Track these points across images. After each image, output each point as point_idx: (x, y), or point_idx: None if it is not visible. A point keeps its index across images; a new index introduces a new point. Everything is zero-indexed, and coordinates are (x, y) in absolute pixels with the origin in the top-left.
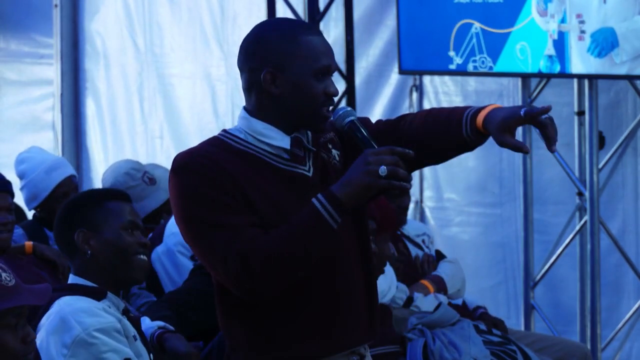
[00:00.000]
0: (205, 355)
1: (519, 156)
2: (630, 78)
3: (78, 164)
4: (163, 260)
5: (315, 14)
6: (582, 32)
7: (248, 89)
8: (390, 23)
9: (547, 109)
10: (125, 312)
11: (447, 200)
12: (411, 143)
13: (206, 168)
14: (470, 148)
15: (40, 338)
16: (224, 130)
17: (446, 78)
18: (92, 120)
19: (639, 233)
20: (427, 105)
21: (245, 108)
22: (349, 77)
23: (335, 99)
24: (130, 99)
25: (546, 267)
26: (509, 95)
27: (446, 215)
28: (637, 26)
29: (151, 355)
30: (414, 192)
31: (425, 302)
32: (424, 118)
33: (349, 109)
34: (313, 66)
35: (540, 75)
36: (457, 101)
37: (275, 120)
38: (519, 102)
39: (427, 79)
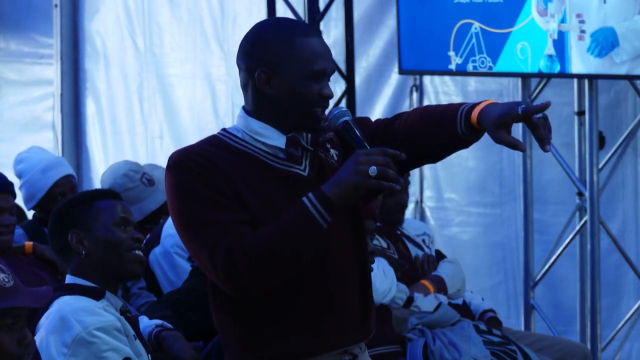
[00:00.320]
0: (205, 355)
1: (519, 156)
2: (630, 78)
3: (78, 164)
4: (160, 262)
5: (315, 14)
6: (582, 31)
7: (245, 87)
8: (390, 23)
9: (545, 106)
10: (123, 312)
11: (447, 200)
12: (406, 141)
13: (200, 166)
14: (465, 145)
15: (40, 337)
16: (223, 129)
17: (446, 78)
18: (92, 120)
19: (639, 233)
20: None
21: (243, 107)
22: (349, 77)
23: (335, 99)
24: (130, 99)
25: (546, 267)
26: (509, 95)
27: (446, 215)
28: (637, 26)
29: (149, 355)
30: (414, 192)
31: (426, 302)
32: (419, 116)
33: (344, 109)
34: (308, 69)
35: (540, 75)
36: (457, 101)
37: (271, 119)
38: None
39: (427, 79)
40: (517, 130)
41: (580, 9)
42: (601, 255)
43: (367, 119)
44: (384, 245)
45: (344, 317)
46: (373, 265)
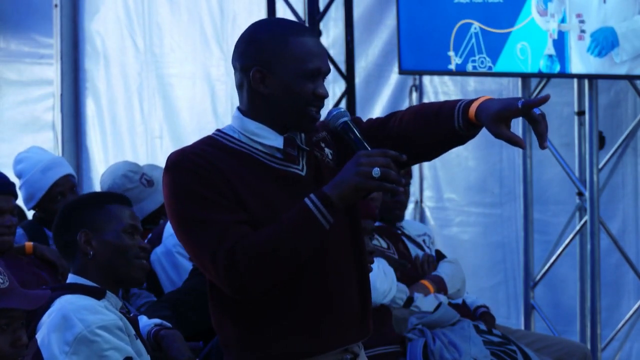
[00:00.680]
0: (205, 356)
1: (519, 156)
2: (630, 78)
3: (78, 164)
4: (162, 261)
5: (315, 14)
6: (582, 31)
7: (240, 87)
8: (390, 23)
9: (545, 99)
10: (123, 312)
11: (447, 200)
12: (402, 139)
13: (198, 166)
14: (462, 141)
15: (41, 335)
16: (218, 130)
17: (446, 78)
18: (92, 120)
19: (639, 233)
20: None
21: (238, 108)
22: (349, 77)
23: (335, 99)
24: (130, 99)
25: (546, 267)
26: (509, 95)
27: (446, 215)
28: (637, 26)
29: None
30: (413, 192)
31: (426, 302)
32: (415, 113)
33: (342, 109)
34: (303, 68)
35: (540, 75)
36: None
37: (267, 119)
38: None
39: (427, 79)
40: (518, 130)
41: (580, 8)
42: (601, 255)
43: (359, 119)
44: (384, 245)
45: (343, 317)
46: (373, 265)
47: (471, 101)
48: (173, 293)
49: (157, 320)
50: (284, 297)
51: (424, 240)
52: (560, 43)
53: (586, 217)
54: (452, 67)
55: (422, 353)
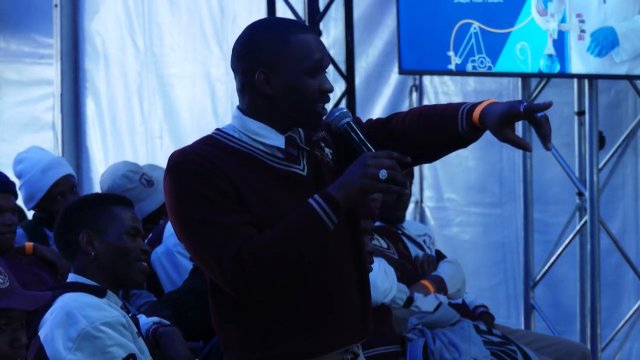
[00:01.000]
0: (205, 356)
1: (519, 156)
2: (630, 78)
3: (78, 164)
4: (162, 261)
5: (315, 14)
6: (582, 31)
7: (242, 89)
8: (390, 23)
9: (547, 105)
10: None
11: (447, 200)
12: (403, 139)
13: (200, 166)
14: (464, 144)
15: (44, 332)
16: (218, 129)
17: (446, 78)
18: (92, 120)
19: (639, 233)
20: None
21: (239, 107)
22: (349, 77)
23: (335, 99)
24: (130, 99)
25: (546, 267)
26: (509, 95)
27: (446, 215)
28: (637, 26)
29: None
30: (414, 192)
31: (426, 302)
32: (418, 114)
33: (344, 110)
34: (305, 64)
35: (540, 75)
36: (456, 101)
37: (269, 119)
38: None
39: (427, 79)
40: (518, 130)
41: (580, 8)
42: (601, 255)
43: (358, 119)
44: (384, 245)
45: (343, 317)
46: (374, 265)
47: (475, 105)
48: (173, 293)
49: (155, 319)
50: (284, 297)
51: (424, 241)
52: (560, 43)
53: (586, 217)
54: (452, 67)
55: (422, 353)
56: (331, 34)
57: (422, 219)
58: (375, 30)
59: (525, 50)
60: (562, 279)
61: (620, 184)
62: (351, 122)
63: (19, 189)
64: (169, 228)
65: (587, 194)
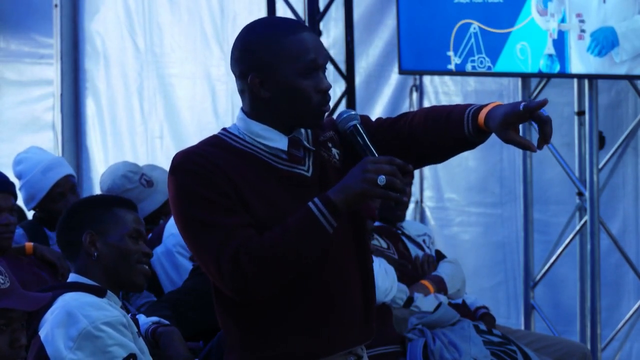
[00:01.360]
0: (205, 355)
1: (519, 156)
2: (630, 78)
3: (78, 164)
4: (162, 261)
5: (315, 14)
6: (582, 31)
7: (241, 92)
8: (390, 23)
9: (543, 102)
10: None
11: (447, 200)
12: (411, 140)
13: (202, 167)
14: (471, 146)
15: (45, 331)
16: (224, 129)
17: (446, 78)
18: (92, 120)
19: (639, 233)
20: (427, 105)
21: (242, 109)
22: (349, 77)
23: (335, 99)
24: (130, 99)
25: (546, 267)
26: (509, 95)
27: (446, 215)
28: (637, 25)
29: None
30: (414, 192)
31: (426, 302)
32: (425, 116)
33: (353, 112)
34: (297, 65)
35: (540, 75)
36: (457, 101)
37: (271, 121)
38: None
39: (427, 79)
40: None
41: (580, 8)
42: (601, 255)
43: (367, 117)
44: (384, 245)
45: (345, 318)
46: (374, 264)
47: (480, 108)
48: (173, 293)
49: (154, 318)
50: (285, 297)
51: (424, 241)
52: (560, 43)
53: (586, 217)
54: (452, 67)
55: (422, 353)
56: (331, 34)
57: (422, 219)
58: (375, 30)
59: (525, 50)
60: (562, 279)
61: (620, 184)
62: (358, 125)
63: (19, 189)
64: (168, 228)
65: (587, 194)
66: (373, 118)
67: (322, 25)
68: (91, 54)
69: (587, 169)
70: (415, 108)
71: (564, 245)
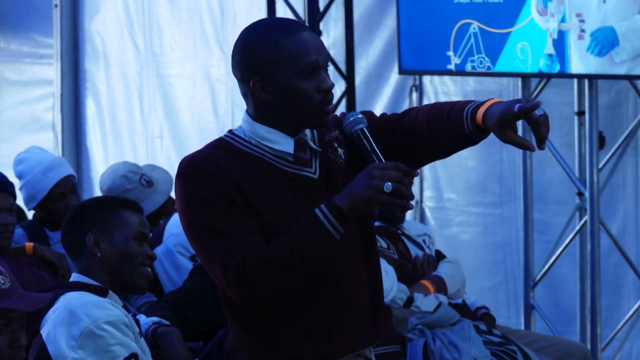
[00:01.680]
0: (205, 355)
1: (519, 156)
2: (629, 78)
3: (78, 164)
4: (163, 261)
5: (315, 14)
6: (582, 31)
7: (245, 96)
8: (390, 23)
9: (536, 104)
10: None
11: (447, 200)
12: (414, 137)
13: (207, 172)
14: (473, 143)
15: (47, 330)
16: (230, 131)
17: (446, 78)
18: (92, 120)
19: (639, 233)
20: None
21: (247, 112)
22: (349, 77)
23: (335, 99)
24: (130, 99)
25: (546, 267)
26: (509, 95)
27: (446, 215)
28: (637, 25)
29: None
30: (414, 192)
31: (426, 302)
32: (427, 115)
33: (360, 116)
34: (297, 67)
35: (540, 75)
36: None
37: (275, 123)
38: None
39: (427, 79)
40: (519, 129)
41: (579, 8)
42: (601, 255)
43: (371, 113)
44: (384, 245)
45: (354, 321)
46: None
47: (478, 106)
48: (173, 293)
49: (155, 319)
50: (295, 301)
51: (424, 240)
52: (560, 43)
53: (586, 217)
54: (452, 67)
55: (422, 353)
56: (331, 34)
57: (422, 219)
58: (375, 30)
59: (525, 50)
60: (562, 279)
61: (620, 184)
62: (365, 129)
63: (20, 189)
64: (169, 228)
65: (587, 194)
66: (388, 113)
67: (322, 25)
68: (91, 54)
69: (587, 169)
70: None
71: (564, 245)
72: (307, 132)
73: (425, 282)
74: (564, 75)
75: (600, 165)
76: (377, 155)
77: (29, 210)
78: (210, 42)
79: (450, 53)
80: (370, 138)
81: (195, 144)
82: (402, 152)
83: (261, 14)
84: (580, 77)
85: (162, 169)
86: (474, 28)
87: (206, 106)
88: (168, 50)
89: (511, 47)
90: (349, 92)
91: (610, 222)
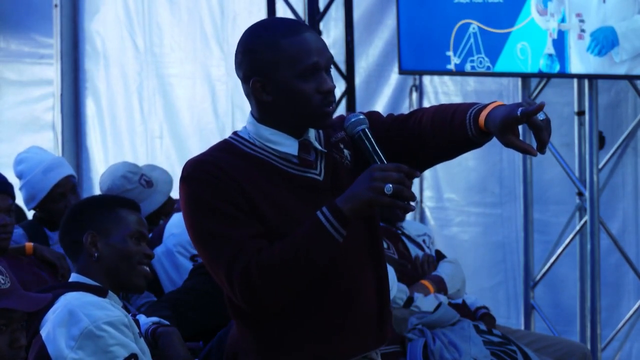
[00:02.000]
0: (205, 355)
1: (519, 156)
2: (629, 78)
3: (78, 164)
4: (163, 261)
5: (315, 14)
6: (582, 31)
7: (248, 97)
8: (390, 23)
9: (541, 106)
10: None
11: (447, 200)
12: (419, 139)
13: (211, 176)
14: (478, 145)
15: (46, 330)
16: (234, 133)
17: (446, 78)
18: (92, 120)
19: (639, 233)
20: (426, 105)
21: (251, 113)
22: (349, 77)
23: (335, 99)
24: (130, 99)
25: (546, 267)
26: (509, 95)
27: (446, 215)
28: (637, 25)
29: None
30: (413, 192)
31: (426, 302)
32: (432, 118)
33: (361, 117)
34: (297, 68)
35: (540, 75)
36: (456, 101)
37: (279, 124)
38: None
39: (427, 79)
40: (519, 130)
41: (579, 8)
42: (601, 255)
43: (377, 114)
44: (384, 245)
45: (360, 324)
46: None
47: (481, 109)
48: (173, 293)
49: (154, 319)
50: (301, 304)
51: (424, 240)
52: (560, 42)
53: (586, 217)
54: (452, 67)
55: (422, 353)
56: (331, 34)
57: (422, 219)
58: (375, 30)
59: (525, 50)
60: (562, 279)
61: (620, 184)
62: (366, 130)
63: (20, 189)
64: (168, 228)
65: (587, 194)
66: (395, 114)
67: (322, 25)
68: (91, 54)
69: (587, 169)
70: (415, 108)
71: (564, 245)
72: (313, 133)
73: (425, 282)
74: (563, 75)
75: (600, 165)
76: (378, 156)
77: (29, 210)
78: (210, 42)
79: (450, 53)
80: (372, 139)
81: (195, 144)
82: (408, 154)
83: (261, 14)
84: (580, 77)
85: (162, 169)
86: (474, 28)
87: (206, 106)
88: (168, 50)
89: (511, 47)
90: (349, 92)
91: (610, 222)
